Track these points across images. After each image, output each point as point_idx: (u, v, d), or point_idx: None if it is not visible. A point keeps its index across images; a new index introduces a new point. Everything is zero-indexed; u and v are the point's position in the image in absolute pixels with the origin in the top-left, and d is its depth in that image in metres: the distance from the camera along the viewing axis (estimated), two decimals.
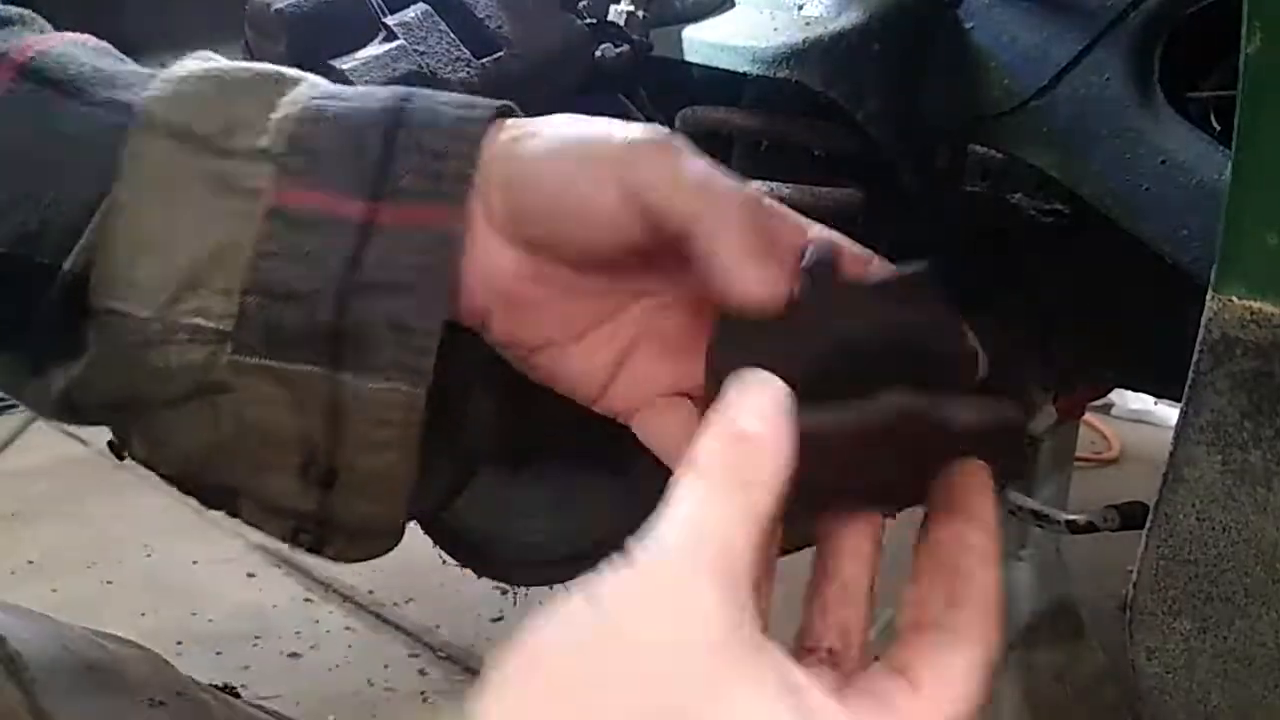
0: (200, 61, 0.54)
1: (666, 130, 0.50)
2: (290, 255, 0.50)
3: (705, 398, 0.48)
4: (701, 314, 0.52)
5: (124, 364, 0.52)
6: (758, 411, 0.43)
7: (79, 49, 0.55)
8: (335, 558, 0.55)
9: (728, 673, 0.37)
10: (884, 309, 0.48)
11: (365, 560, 0.56)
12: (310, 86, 0.54)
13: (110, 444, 0.58)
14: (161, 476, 0.56)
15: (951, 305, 0.49)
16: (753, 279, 0.46)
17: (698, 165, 0.48)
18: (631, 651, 0.37)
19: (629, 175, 0.48)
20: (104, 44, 0.57)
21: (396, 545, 0.56)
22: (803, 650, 0.46)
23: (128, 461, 0.59)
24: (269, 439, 0.52)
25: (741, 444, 0.41)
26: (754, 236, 0.47)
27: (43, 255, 0.52)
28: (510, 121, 0.51)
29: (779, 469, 0.41)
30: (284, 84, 0.54)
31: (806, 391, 0.46)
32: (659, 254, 0.49)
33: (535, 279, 0.51)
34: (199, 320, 0.50)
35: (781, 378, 0.45)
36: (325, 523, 0.54)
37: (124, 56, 0.56)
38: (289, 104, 0.52)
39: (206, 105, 0.52)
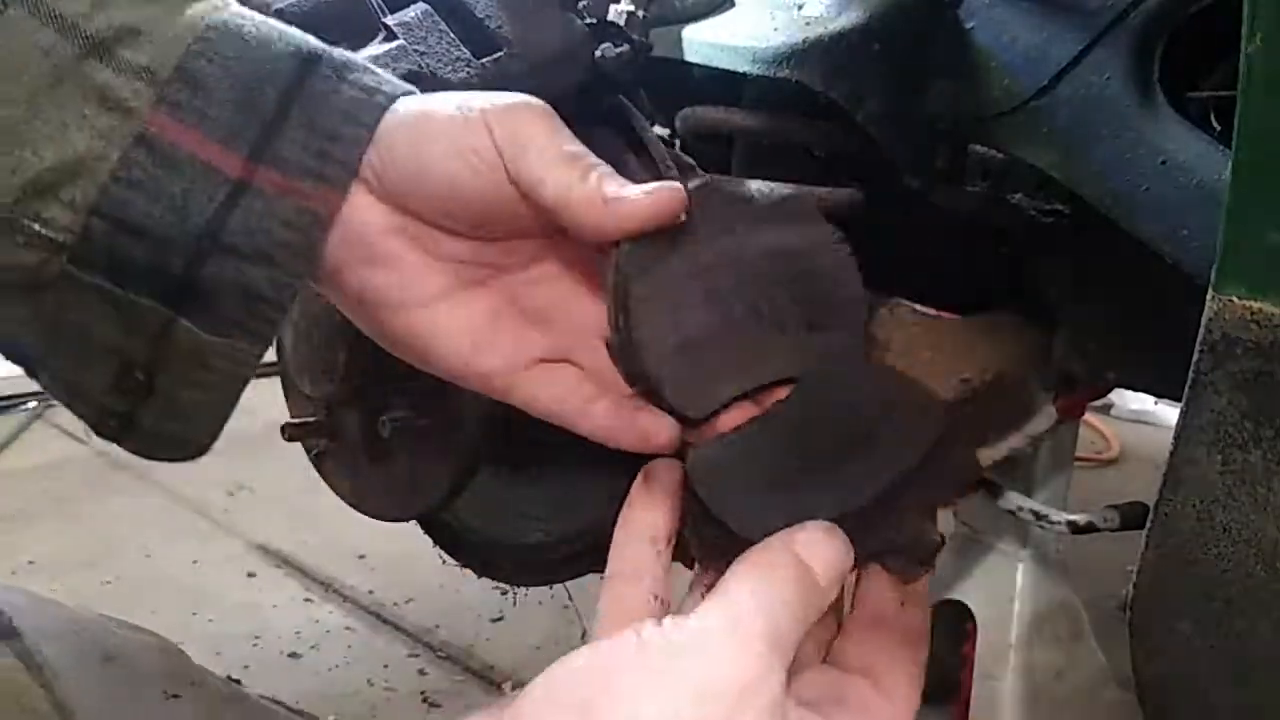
0: None
1: (538, 100, 0.50)
2: (151, 191, 0.47)
3: (610, 323, 0.50)
4: (568, 287, 0.53)
5: None
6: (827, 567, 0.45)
7: None
8: (135, 452, 0.53)
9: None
10: (769, 225, 0.52)
11: (166, 461, 0.54)
12: (213, 8, 0.49)
13: None
14: None
15: (831, 223, 0.53)
16: (654, 192, 0.47)
17: (566, 137, 0.49)
18: (696, 691, 0.39)
19: (504, 140, 0.48)
20: None
21: (199, 458, 0.54)
22: None
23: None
24: (88, 344, 0.49)
25: (810, 586, 0.44)
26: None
27: None
28: (404, 100, 0.50)
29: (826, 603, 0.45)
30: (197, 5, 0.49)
31: (703, 296, 0.50)
32: (530, 224, 0.49)
33: (401, 235, 0.50)
34: (39, 228, 0.47)
35: (681, 286, 0.49)
36: (131, 424, 0.52)
37: None
38: (187, 25, 0.48)
39: (107, 5, 0.48)
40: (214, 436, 0.52)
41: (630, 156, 0.71)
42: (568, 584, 1.08)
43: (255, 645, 1.67)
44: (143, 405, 0.51)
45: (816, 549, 0.45)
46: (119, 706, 0.65)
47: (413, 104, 0.49)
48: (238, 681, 1.46)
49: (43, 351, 0.50)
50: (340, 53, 0.50)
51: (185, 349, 0.49)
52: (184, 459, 0.53)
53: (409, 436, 0.74)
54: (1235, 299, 0.43)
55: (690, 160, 0.74)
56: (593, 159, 0.49)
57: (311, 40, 0.50)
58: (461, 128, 0.48)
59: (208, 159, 0.47)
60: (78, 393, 0.51)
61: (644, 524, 0.50)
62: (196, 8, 0.49)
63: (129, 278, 0.48)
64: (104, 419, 0.52)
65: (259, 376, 0.59)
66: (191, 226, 0.47)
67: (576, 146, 0.49)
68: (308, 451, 0.86)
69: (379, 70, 0.51)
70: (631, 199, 0.47)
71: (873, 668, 0.47)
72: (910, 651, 0.48)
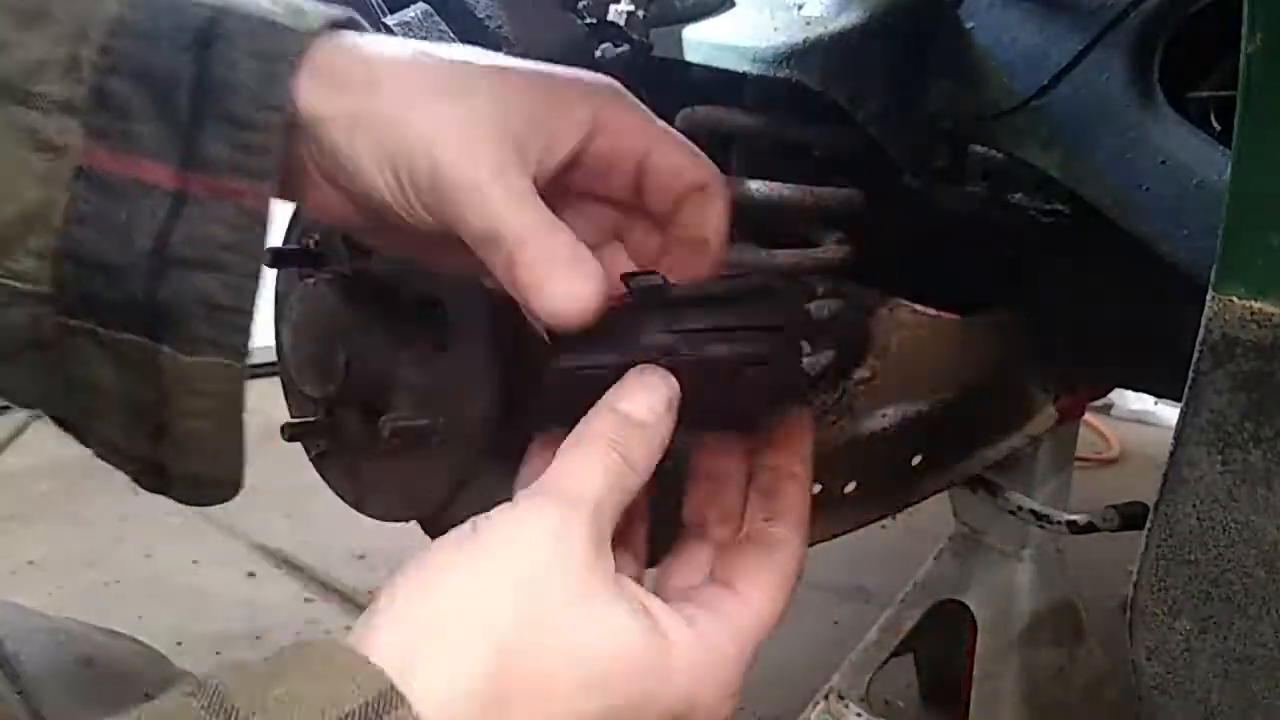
0: None
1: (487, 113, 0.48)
2: (101, 223, 0.48)
3: (545, 403, 0.50)
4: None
5: None
6: (649, 405, 0.47)
7: None
8: (181, 500, 0.55)
9: (591, 587, 0.43)
10: (719, 317, 0.48)
11: (211, 505, 0.55)
12: (105, 7, 0.49)
13: None
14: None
15: (790, 311, 0.51)
16: (561, 294, 0.46)
17: (514, 172, 0.47)
18: (509, 568, 0.42)
19: (438, 183, 0.47)
20: None
21: (239, 493, 0.55)
22: (690, 529, 0.53)
23: None
24: (97, 394, 0.51)
25: (629, 428, 0.46)
26: (563, 246, 0.47)
27: None
28: (324, 57, 0.48)
29: (654, 458, 0.46)
30: (80, 6, 0.49)
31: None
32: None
33: (365, 220, 0.51)
34: (15, 283, 0.48)
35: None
36: (165, 472, 0.53)
37: None
38: (89, 43, 0.48)
39: (7, 45, 0.48)
40: (236, 471, 0.53)
41: None
42: None
43: (255, 645, 1.67)
44: (162, 448, 0.52)
45: (634, 393, 0.47)
46: (97, 710, 0.65)
47: (334, 69, 0.48)
48: None
49: (75, 414, 0.52)
50: (240, 11, 0.49)
51: (173, 378, 0.49)
52: (223, 500, 0.55)
53: (409, 436, 0.74)
54: (1235, 299, 0.43)
55: None
56: (533, 222, 0.47)
57: (205, 7, 0.49)
58: (396, 140, 0.48)
59: (142, 177, 0.48)
60: (115, 450, 0.53)
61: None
62: (93, 19, 0.48)
63: (106, 316, 0.49)
64: (143, 471, 0.53)
65: (259, 376, 0.59)
66: (140, 248, 0.48)
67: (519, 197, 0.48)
68: (308, 451, 0.86)
69: (278, 13, 0.49)
70: (554, 300, 0.47)
71: (731, 579, 0.49)
72: (772, 562, 0.50)
